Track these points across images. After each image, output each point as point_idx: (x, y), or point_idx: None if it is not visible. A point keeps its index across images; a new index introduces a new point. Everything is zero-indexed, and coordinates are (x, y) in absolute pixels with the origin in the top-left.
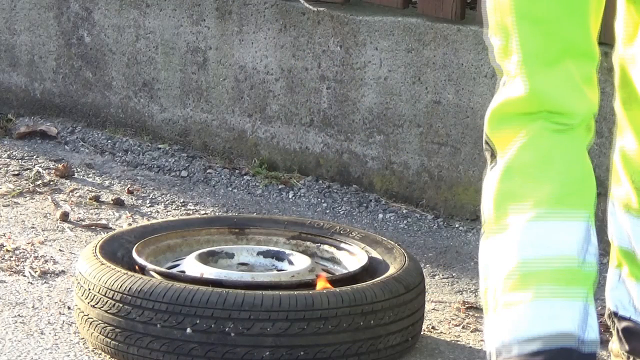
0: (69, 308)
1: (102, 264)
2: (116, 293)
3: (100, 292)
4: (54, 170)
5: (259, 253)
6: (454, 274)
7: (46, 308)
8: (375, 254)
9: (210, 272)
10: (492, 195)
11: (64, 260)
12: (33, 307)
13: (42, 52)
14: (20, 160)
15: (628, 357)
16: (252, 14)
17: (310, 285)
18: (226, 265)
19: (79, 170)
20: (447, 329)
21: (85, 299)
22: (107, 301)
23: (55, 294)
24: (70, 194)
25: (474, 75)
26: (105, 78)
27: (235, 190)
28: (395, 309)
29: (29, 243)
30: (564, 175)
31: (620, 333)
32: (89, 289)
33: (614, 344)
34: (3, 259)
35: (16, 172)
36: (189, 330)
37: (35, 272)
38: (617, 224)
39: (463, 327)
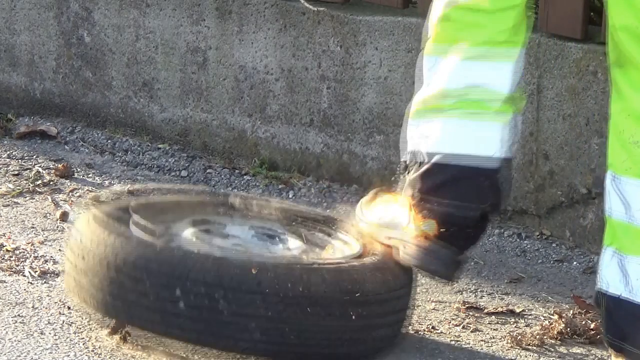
0: (69, 308)
1: (99, 224)
2: (110, 254)
3: (91, 250)
4: (54, 170)
5: (252, 231)
6: None
7: (46, 308)
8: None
9: (204, 247)
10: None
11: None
12: (33, 307)
13: (42, 52)
14: (20, 160)
15: (620, 345)
16: (252, 13)
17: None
18: (220, 241)
19: (79, 170)
20: (447, 329)
21: (81, 261)
22: (99, 259)
23: (55, 294)
24: (70, 194)
25: None
26: (105, 78)
27: (236, 190)
28: (387, 302)
29: (28, 243)
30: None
31: (611, 312)
32: (86, 253)
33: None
34: (3, 259)
35: (16, 172)
36: (181, 303)
37: (35, 272)
38: (615, 196)
39: (463, 327)
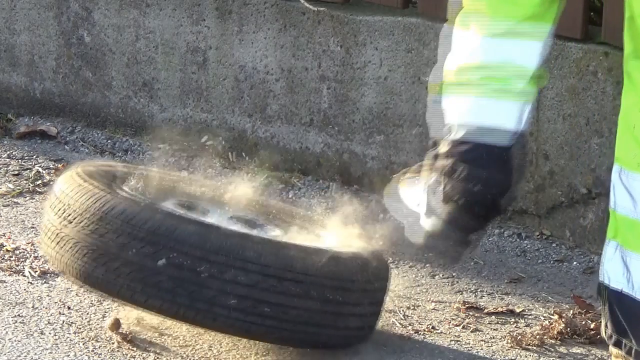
0: (69, 308)
1: (85, 181)
2: (96, 212)
3: (79, 209)
4: (54, 170)
5: (232, 217)
6: (454, 274)
7: (46, 308)
8: (348, 241)
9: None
10: None
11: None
12: (33, 307)
13: (42, 52)
14: (20, 160)
15: (618, 339)
16: (252, 13)
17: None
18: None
19: None
20: (447, 329)
21: (62, 215)
22: (84, 220)
23: (55, 294)
24: None
25: None
26: (105, 78)
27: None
28: (364, 291)
29: (28, 243)
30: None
31: (612, 306)
32: (68, 205)
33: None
34: (3, 259)
35: (16, 172)
36: (162, 261)
37: (35, 272)
38: (621, 191)
39: (463, 327)
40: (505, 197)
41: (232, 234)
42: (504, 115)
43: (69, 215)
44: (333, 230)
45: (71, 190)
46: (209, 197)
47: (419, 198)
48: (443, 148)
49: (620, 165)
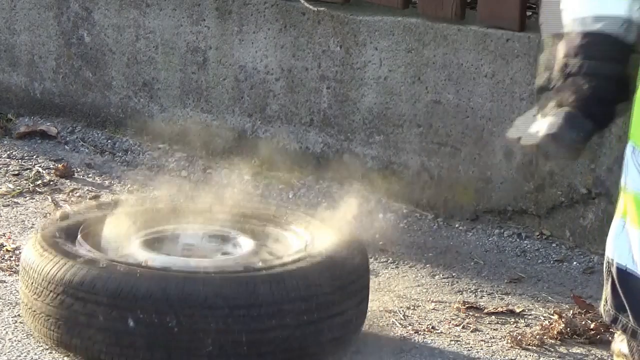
0: None
1: (44, 251)
2: (58, 286)
3: (42, 283)
4: (54, 170)
5: (205, 236)
6: (454, 274)
7: None
8: (321, 235)
9: (154, 258)
10: None
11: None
12: None
13: (42, 52)
14: (20, 160)
15: (615, 315)
16: (252, 13)
17: (255, 269)
18: (171, 248)
19: (79, 170)
20: (447, 329)
21: (29, 291)
22: (49, 293)
23: None
24: (70, 194)
25: (474, 75)
26: (105, 78)
27: (235, 191)
28: (338, 291)
29: None
30: None
31: (614, 282)
32: (33, 280)
33: (616, 344)
34: (3, 259)
35: (16, 172)
36: (131, 323)
37: None
38: (633, 169)
39: (463, 327)
40: (621, 95)
41: (193, 278)
42: (614, 3)
43: (35, 289)
44: (313, 229)
45: (35, 261)
46: (179, 217)
47: (534, 111)
48: (558, 48)
49: (633, 142)
